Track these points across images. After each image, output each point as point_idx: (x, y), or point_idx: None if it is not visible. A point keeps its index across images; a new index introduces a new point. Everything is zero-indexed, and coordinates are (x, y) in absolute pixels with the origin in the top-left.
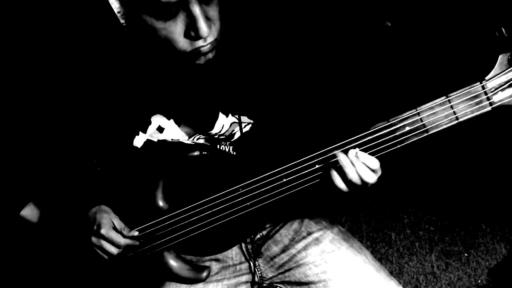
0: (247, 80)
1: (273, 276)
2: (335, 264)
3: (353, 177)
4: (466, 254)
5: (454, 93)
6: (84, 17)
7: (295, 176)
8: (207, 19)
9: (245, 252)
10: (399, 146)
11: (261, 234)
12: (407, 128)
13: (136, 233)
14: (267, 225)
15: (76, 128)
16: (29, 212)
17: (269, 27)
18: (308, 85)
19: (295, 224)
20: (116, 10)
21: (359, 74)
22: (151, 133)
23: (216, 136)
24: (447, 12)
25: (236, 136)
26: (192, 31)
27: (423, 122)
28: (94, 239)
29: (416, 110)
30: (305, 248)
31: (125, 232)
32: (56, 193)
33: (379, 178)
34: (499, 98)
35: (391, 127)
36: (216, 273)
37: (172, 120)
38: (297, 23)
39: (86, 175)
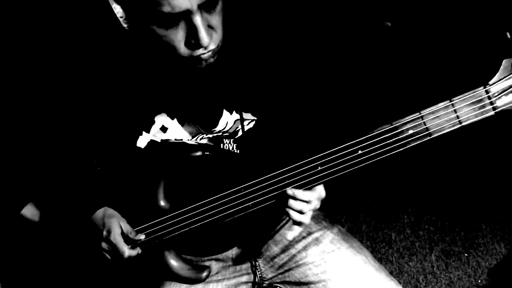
0: (250, 77)
1: (273, 276)
2: (335, 264)
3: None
4: (466, 254)
5: (458, 97)
6: (88, 19)
7: (296, 178)
8: (209, 27)
9: (245, 252)
10: (402, 149)
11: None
12: (410, 132)
13: (143, 237)
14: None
15: (79, 128)
16: (30, 211)
17: (272, 25)
18: (310, 83)
19: None
20: (118, 15)
21: (361, 76)
22: (155, 133)
23: (220, 134)
24: (451, 15)
25: (240, 133)
26: (193, 40)
27: (426, 126)
28: (104, 244)
29: (420, 114)
30: (305, 248)
31: (131, 236)
32: (57, 192)
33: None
34: (503, 102)
35: (394, 130)
36: (216, 273)
37: (175, 120)
38: (299, 22)
39: (89, 176)
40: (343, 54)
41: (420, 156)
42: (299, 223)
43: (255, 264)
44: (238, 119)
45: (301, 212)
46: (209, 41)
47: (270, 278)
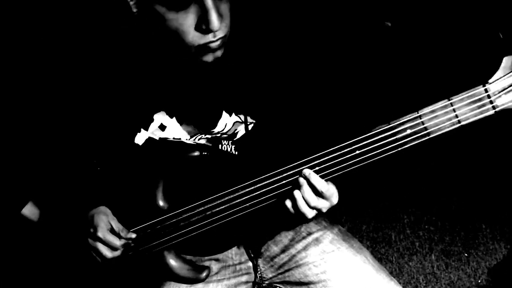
0: (251, 80)
1: (273, 276)
2: (335, 264)
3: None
4: (466, 254)
5: (456, 96)
6: (90, 13)
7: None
8: (219, 13)
9: (245, 252)
10: (400, 149)
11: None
12: (408, 131)
13: (134, 235)
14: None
15: (78, 123)
16: (30, 211)
17: (273, 27)
18: (310, 85)
19: None
20: None
21: (360, 75)
22: (153, 131)
23: (219, 135)
24: (450, 12)
25: (238, 135)
26: (203, 24)
27: (425, 125)
28: (90, 241)
29: (418, 113)
30: (305, 248)
31: (122, 234)
32: (56, 192)
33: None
34: (503, 101)
35: (392, 130)
36: (216, 273)
37: (174, 118)
38: (300, 24)
39: (86, 175)
40: (342, 54)
41: (420, 156)
42: (300, 216)
43: (255, 264)
44: (237, 121)
45: (306, 203)
46: (219, 25)
47: (270, 278)
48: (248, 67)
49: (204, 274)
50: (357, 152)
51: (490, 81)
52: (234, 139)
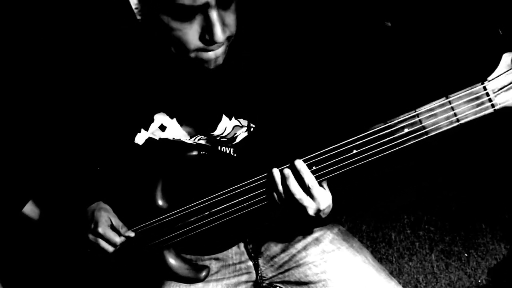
0: (251, 84)
1: (273, 276)
2: (335, 264)
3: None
4: (466, 254)
5: (455, 94)
6: (92, 15)
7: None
8: (224, 25)
9: (245, 252)
10: (397, 148)
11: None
12: (406, 130)
13: (132, 234)
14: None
15: (78, 123)
16: (31, 209)
17: (272, 30)
18: (309, 85)
19: None
20: (134, 6)
21: (358, 74)
22: (153, 131)
23: (218, 138)
24: (448, 9)
25: (237, 140)
26: (207, 35)
27: (423, 124)
28: (91, 236)
29: (415, 111)
30: (305, 248)
31: (122, 231)
32: (56, 190)
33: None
34: (502, 99)
35: (389, 128)
36: (216, 272)
37: (174, 119)
38: (299, 24)
39: (87, 173)
40: (341, 54)
41: (420, 156)
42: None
43: (255, 263)
44: (236, 125)
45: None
46: (223, 37)
47: (270, 278)
48: (248, 71)
49: (203, 274)
50: (354, 151)
51: (489, 78)
52: (233, 143)
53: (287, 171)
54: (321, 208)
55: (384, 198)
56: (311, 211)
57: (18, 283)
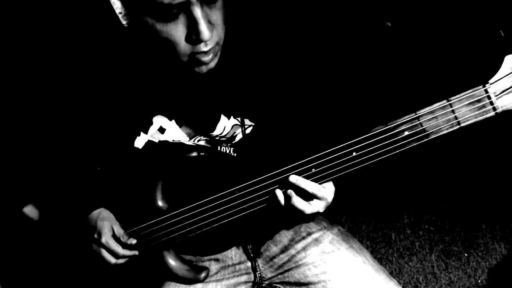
0: (249, 82)
1: (273, 276)
2: (335, 265)
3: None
4: (466, 254)
5: (456, 96)
6: (86, 17)
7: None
8: (209, 23)
9: (244, 252)
10: (398, 151)
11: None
12: (406, 133)
13: (134, 241)
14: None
15: (78, 127)
16: (30, 210)
17: (270, 30)
18: (309, 87)
19: (295, 224)
20: (117, 11)
21: (358, 76)
22: (152, 134)
23: (217, 138)
24: (449, 10)
25: (237, 138)
26: (193, 35)
27: (423, 127)
28: (95, 246)
29: (416, 114)
30: (304, 248)
31: (123, 240)
32: (57, 192)
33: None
34: (504, 103)
35: (390, 131)
36: (215, 273)
37: (173, 121)
38: (298, 25)
39: (87, 176)
40: (340, 56)
41: (420, 156)
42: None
43: (255, 264)
44: (235, 124)
45: (297, 205)
46: (210, 35)
47: (270, 278)
48: (246, 70)
49: (202, 275)
50: (354, 154)
51: (490, 81)
52: (233, 142)
53: (290, 192)
54: (329, 201)
55: (384, 198)
56: (322, 209)
57: (18, 283)
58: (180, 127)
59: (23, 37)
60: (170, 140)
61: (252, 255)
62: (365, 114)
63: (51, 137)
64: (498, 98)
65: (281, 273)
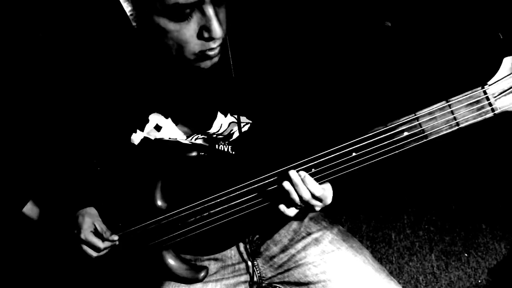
0: (246, 80)
1: (272, 276)
2: (335, 265)
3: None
4: (466, 254)
5: (455, 97)
6: (90, 17)
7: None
8: (219, 21)
9: (244, 252)
10: (397, 151)
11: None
12: (406, 134)
13: (116, 237)
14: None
15: (74, 124)
16: (31, 209)
17: (269, 27)
18: (307, 86)
19: (295, 224)
20: (128, 13)
21: (358, 76)
22: (149, 131)
23: (214, 136)
24: (449, 12)
25: (234, 136)
26: (206, 32)
27: (422, 128)
28: (75, 241)
29: (415, 115)
30: (304, 248)
31: (105, 236)
32: (53, 191)
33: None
34: (502, 104)
35: (389, 132)
36: (215, 273)
37: (169, 119)
38: (296, 23)
39: (83, 175)
40: (340, 55)
41: (420, 156)
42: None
43: (254, 263)
44: (232, 122)
45: (297, 202)
46: (222, 33)
47: (269, 278)
48: (243, 67)
49: (202, 274)
50: (354, 154)
51: (489, 82)
52: (230, 140)
53: (296, 181)
54: (327, 203)
55: (384, 198)
56: (318, 208)
57: (17, 283)
58: (176, 125)
59: (23, 34)
60: (166, 138)
61: (251, 254)
62: (364, 114)
63: (50, 132)
64: (497, 99)
65: (281, 273)
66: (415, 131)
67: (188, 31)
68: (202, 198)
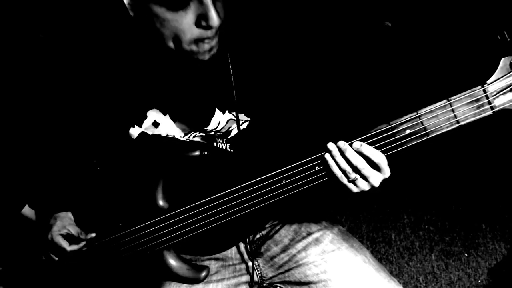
0: (245, 77)
1: (273, 276)
2: (335, 264)
3: (345, 166)
4: (466, 254)
5: (455, 96)
6: (87, 12)
7: (295, 178)
8: (216, 10)
9: (245, 252)
10: (399, 149)
11: (260, 234)
12: (408, 131)
13: (93, 235)
14: (267, 225)
15: (73, 119)
16: (30, 210)
17: (269, 24)
18: (307, 84)
19: (295, 225)
20: (126, 1)
21: (359, 74)
22: (146, 127)
23: (212, 133)
24: (449, 14)
25: (232, 133)
26: (203, 21)
27: (424, 126)
28: (42, 242)
29: (417, 113)
30: (305, 248)
31: (82, 236)
32: (44, 194)
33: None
34: (501, 102)
35: (392, 130)
36: (216, 273)
37: (168, 116)
38: (297, 21)
39: (66, 178)
40: (340, 54)
41: (420, 156)
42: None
43: (255, 263)
44: (230, 119)
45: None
46: (219, 21)
47: (270, 278)
48: (242, 64)
49: (203, 274)
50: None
51: (488, 81)
52: (228, 137)
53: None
54: (386, 176)
55: (385, 198)
56: (377, 184)
57: (17, 283)
58: (174, 122)
59: (22, 32)
60: (164, 134)
61: (252, 254)
62: (367, 113)
63: (48, 130)
64: (495, 97)
65: (281, 273)
66: (417, 128)
67: (186, 20)
68: (204, 197)
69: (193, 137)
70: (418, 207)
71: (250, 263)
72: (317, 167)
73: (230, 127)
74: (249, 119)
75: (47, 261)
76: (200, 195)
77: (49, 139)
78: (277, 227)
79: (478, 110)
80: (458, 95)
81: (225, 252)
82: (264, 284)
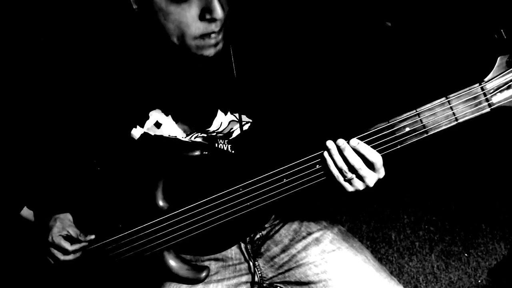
0: (247, 79)
1: (273, 276)
2: (335, 264)
3: (342, 165)
4: (466, 254)
5: (454, 94)
6: (90, 11)
7: (295, 177)
8: (220, 3)
9: (245, 252)
10: (399, 146)
11: (260, 234)
12: (407, 129)
13: (93, 237)
14: (267, 225)
15: (76, 119)
16: (28, 211)
17: (271, 26)
18: (308, 84)
19: (295, 224)
20: None
21: (359, 74)
22: (148, 128)
23: (214, 134)
24: (447, 13)
25: (234, 135)
26: (207, 13)
27: (423, 123)
28: (43, 244)
29: (416, 111)
30: (305, 248)
31: (82, 238)
32: (44, 195)
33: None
34: (498, 99)
35: (391, 128)
36: (216, 273)
37: (170, 116)
38: (298, 22)
39: (65, 180)
40: (341, 54)
41: (420, 156)
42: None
43: (255, 264)
44: (232, 120)
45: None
46: (223, 13)
47: (271, 278)
48: (244, 66)
49: (203, 274)
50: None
51: (485, 79)
52: (230, 138)
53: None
54: (381, 176)
55: (384, 198)
56: (372, 184)
57: (17, 284)
58: (176, 122)
59: (26, 30)
60: (166, 135)
61: (252, 255)
62: (366, 111)
63: (50, 130)
64: (493, 95)
65: (281, 273)
66: (416, 126)
67: (189, 12)
68: (204, 197)
69: (195, 138)
70: (418, 207)
71: (250, 263)
72: (317, 166)
73: (231, 128)
74: (250, 120)
75: (48, 262)
76: (200, 195)
77: (49, 139)
78: (277, 227)
79: (476, 107)
80: (457, 92)
81: (225, 252)
82: (264, 284)
